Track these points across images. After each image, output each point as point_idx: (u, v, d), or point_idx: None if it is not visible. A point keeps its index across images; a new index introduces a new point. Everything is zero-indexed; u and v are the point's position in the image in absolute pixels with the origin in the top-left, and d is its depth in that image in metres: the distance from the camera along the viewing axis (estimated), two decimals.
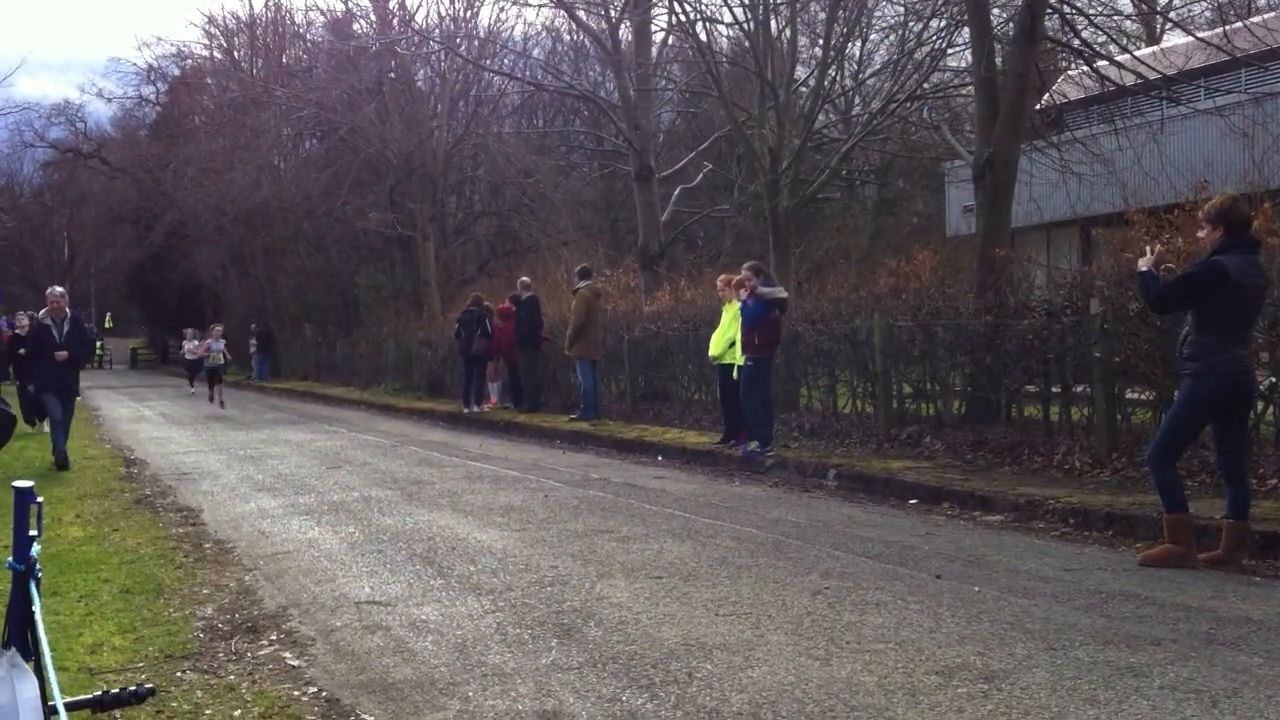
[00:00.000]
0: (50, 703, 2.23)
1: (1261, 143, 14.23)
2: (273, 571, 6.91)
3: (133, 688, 3.08)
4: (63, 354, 12.53)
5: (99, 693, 3.10)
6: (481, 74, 31.56)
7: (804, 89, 20.76)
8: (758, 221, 24.45)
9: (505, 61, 31.89)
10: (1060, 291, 10.73)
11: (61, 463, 12.40)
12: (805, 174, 19.42)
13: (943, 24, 17.07)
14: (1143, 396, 9.79)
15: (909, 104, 18.75)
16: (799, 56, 22.66)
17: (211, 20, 48.38)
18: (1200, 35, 15.42)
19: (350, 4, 35.11)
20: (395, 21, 32.51)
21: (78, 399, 13.96)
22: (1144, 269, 6.57)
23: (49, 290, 13.20)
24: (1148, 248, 6.93)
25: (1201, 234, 6.55)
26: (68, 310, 13.00)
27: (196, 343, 31.04)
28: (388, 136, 31.00)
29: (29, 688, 2.16)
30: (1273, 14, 16.18)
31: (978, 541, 7.39)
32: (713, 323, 13.01)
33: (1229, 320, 6.26)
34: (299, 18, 45.49)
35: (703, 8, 20.34)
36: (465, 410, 18.65)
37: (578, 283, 16.56)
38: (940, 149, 21.81)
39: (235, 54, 42.63)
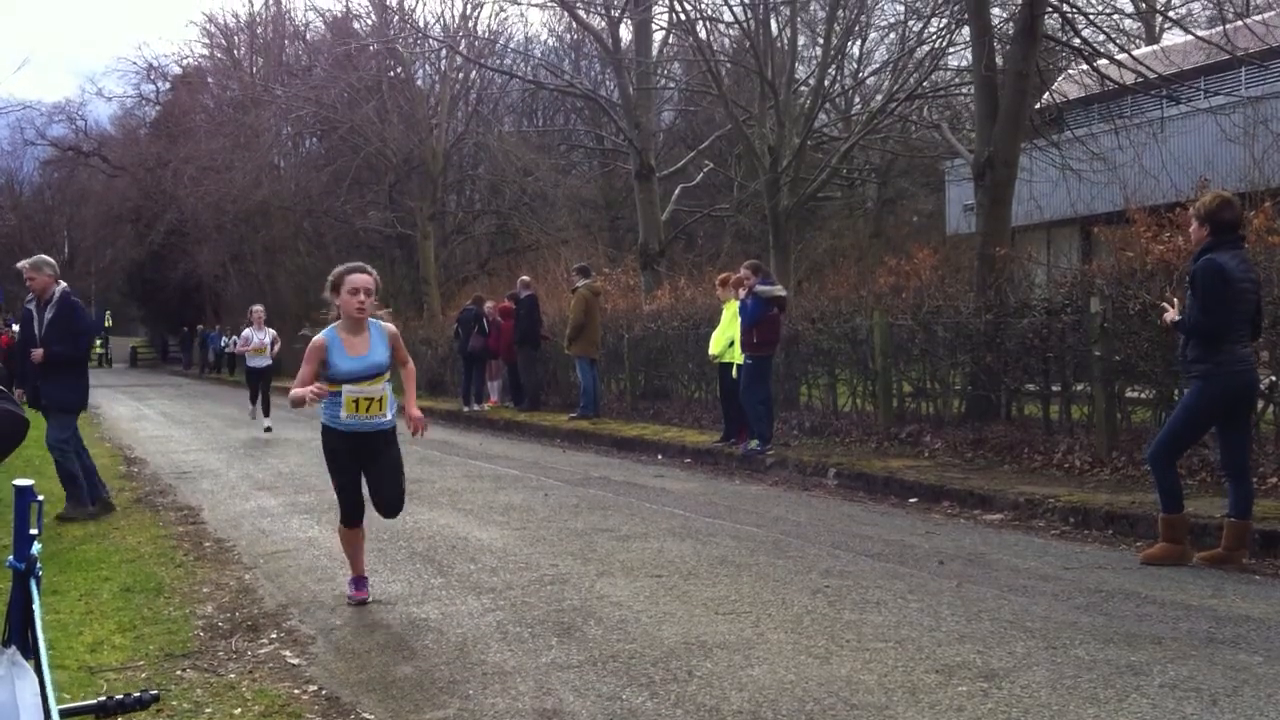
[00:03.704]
0: (47, 707, 2.23)
1: (1262, 141, 14.23)
2: (273, 570, 6.91)
3: (136, 694, 3.07)
4: (37, 353, 8.78)
5: (102, 698, 3.09)
6: (481, 72, 31.58)
7: (804, 88, 20.78)
8: (758, 220, 24.48)
9: (505, 60, 31.92)
10: (1060, 290, 10.73)
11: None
12: (805, 173, 19.44)
13: (943, 23, 17.09)
14: (1143, 395, 9.80)
15: (909, 103, 18.76)
16: (799, 55, 22.67)
17: (211, 19, 48.39)
18: (1199, 34, 15.41)
19: (350, 3, 35.12)
20: (395, 20, 32.51)
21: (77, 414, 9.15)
22: (1174, 320, 6.55)
23: (23, 262, 9.19)
24: (1166, 305, 6.86)
25: (1191, 229, 6.57)
26: (56, 288, 8.95)
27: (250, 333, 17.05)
28: (387, 135, 31.00)
29: (30, 685, 2.15)
30: (1272, 13, 16.16)
31: (978, 540, 7.39)
32: (712, 321, 13.01)
33: (1229, 319, 6.26)
34: (299, 17, 45.60)
35: (703, 7, 20.31)
36: (465, 409, 18.65)
37: (577, 281, 16.56)
38: (940, 148, 21.81)
39: (235, 53, 42.64)
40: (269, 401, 16.54)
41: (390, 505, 6.06)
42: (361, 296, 5.81)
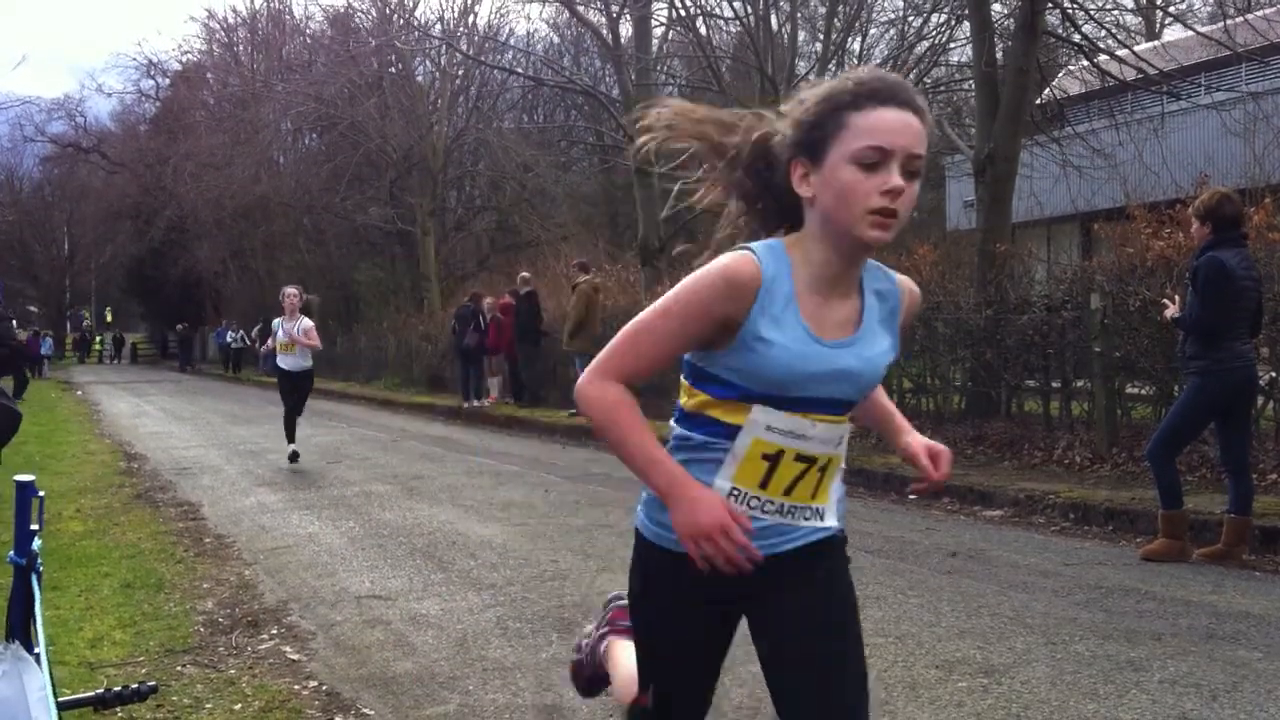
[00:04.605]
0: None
1: (1263, 137, 14.23)
2: (273, 566, 6.92)
3: (135, 685, 3.08)
4: None
5: (100, 690, 3.10)
6: (481, 69, 31.57)
7: (805, 84, 20.72)
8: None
9: (506, 56, 31.92)
10: (1060, 286, 10.74)
11: None
12: None
13: (943, 19, 17.10)
14: (1143, 391, 9.80)
15: None
16: (799, 51, 22.66)
17: (212, 15, 48.37)
18: (1200, 30, 15.41)
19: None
20: (395, 17, 32.49)
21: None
22: (1174, 316, 6.57)
23: None
24: (1166, 301, 6.90)
25: (1192, 229, 6.58)
26: None
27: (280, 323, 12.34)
28: (387, 131, 30.99)
29: (36, 679, 2.16)
30: (1273, 9, 16.14)
31: (978, 536, 7.39)
32: None
33: (1230, 316, 6.26)
34: (299, 12, 45.53)
35: (702, 2, 20.32)
36: (465, 405, 18.65)
37: (577, 277, 16.56)
38: (940, 143, 21.80)
39: (235, 48, 42.62)
40: (295, 420, 11.96)
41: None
42: (896, 179, 2.12)
